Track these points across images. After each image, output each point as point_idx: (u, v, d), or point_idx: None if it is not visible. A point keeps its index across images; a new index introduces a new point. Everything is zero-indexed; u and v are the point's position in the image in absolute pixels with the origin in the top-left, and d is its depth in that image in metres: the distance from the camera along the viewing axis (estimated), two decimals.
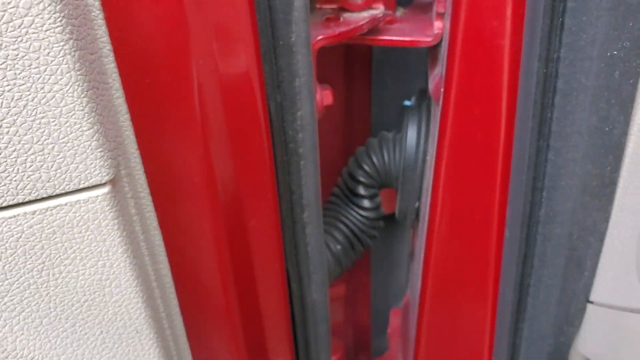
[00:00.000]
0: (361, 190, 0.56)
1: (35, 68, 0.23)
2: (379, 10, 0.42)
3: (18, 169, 0.23)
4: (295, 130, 0.34)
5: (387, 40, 0.43)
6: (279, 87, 0.33)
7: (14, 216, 0.24)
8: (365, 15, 0.41)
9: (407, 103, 0.55)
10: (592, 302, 0.41)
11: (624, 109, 0.32)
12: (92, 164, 0.24)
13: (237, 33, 0.30)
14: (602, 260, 0.38)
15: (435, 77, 0.46)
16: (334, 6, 0.41)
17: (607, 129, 0.33)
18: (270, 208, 0.35)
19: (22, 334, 0.26)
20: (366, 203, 0.56)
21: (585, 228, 0.37)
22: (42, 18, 0.23)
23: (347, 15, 0.41)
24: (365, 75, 0.58)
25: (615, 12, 0.30)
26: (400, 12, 0.47)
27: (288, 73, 0.32)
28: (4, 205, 0.23)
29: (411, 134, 0.52)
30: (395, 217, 0.59)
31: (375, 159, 0.55)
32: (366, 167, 0.55)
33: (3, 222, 0.24)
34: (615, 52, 0.31)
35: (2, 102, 0.23)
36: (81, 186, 0.25)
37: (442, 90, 0.43)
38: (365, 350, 0.83)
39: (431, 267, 0.51)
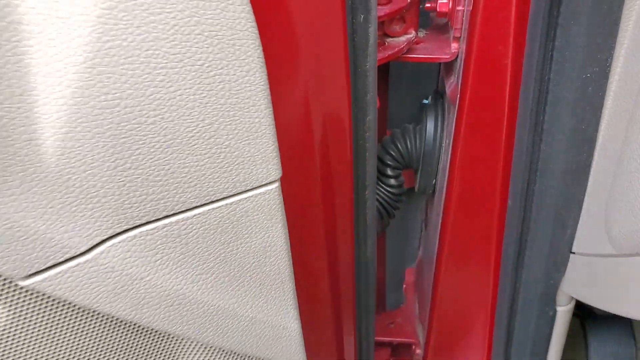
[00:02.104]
0: (388, 172, 0.69)
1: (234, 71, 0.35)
2: (412, 35, 0.55)
3: (231, 170, 0.36)
4: (364, 131, 0.47)
5: (417, 57, 0.56)
6: (356, 101, 0.46)
7: (219, 207, 0.36)
8: (403, 39, 0.54)
9: (425, 101, 0.69)
10: (573, 253, 0.55)
11: (595, 113, 0.46)
12: (272, 162, 0.37)
13: (334, 63, 0.42)
14: (580, 221, 0.52)
15: (452, 84, 0.59)
16: (380, 33, 0.54)
17: (582, 127, 0.47)
18: (348, 189, 0.49)
19: (215, 288, 0.39)
20: (392, 182, 0.70)
21: (568, 198, 0.51)
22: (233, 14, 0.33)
23: (389, 40, 0.54)
24: (385, 81, 0.71)
25: (589, 49, 0.43)
26: (422, 33, 0.59)
27: (362, 90, 0.45)
28: (219, 198, 0.36)
29: (430, 125, 0.65)
30: (415, 191, 0.72)
31: (399, 146, 0.68)
32: (392, 152, 0.68)
33: (215, 210, 0.37)
34: (588, 75, 0.44)
35: (211, 112, 0.34)
36: (264, 182, 0.37)
37: (458, 95, 0.56)
38: (382, 305, 0.96)
39: (448, 231, 0.65)
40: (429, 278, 0.76)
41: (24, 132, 0.30)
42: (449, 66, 0.60)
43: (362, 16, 0.44)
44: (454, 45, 0.56)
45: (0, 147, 0.29)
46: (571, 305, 0.64)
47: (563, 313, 0.63)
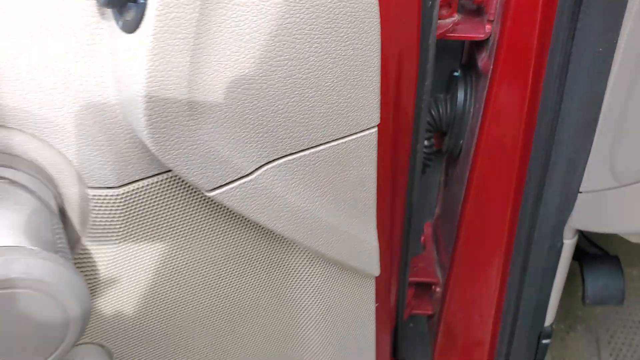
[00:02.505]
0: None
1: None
2: (455, 17, 0.69)
3: (349, 116, 0.49)
4: (422, 93, 0.61)
5: (458, 36, 0.70)
6: (421, 69, 0.60)
7: (338, 144, 0.49)
8: (449, 21, 0.67)
9: (455, 74, 0.82)
10: (581, 192, 0.70)
11: (604, 79, 0.61)
12: (376, 110, 0.50)
13: (410, 38, 0.56)
14: (588, 165, 0.66)
15: (484, 58, 0.73)
16: None
17: (593, 90, 0.61)
18: (409, 139, 0.63)
19: (326, 207, 0.52)
20: (426, 143, 0.84)
21: (579, 147, 0.66)
22: None
23: (439, 22, 0.67)
24: None
25: (601, 29, 0.58)
26: (460, 16, 0.73)
27: (424, 60, 0.59)
28: (339, 137, 0.49)
29: (460, 94, 0.79)
30: (438, 154, 0.87)
31: (432, 112, 0.82)
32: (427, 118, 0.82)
33: (335, 147, 0.49)
34: (600, 49, 0.59)
35: (341, 72, 0.47)
36: (369, 126, 0.50)
37: (490, 67, 0.70)
38: None
39: (474, 183, 0.79)
40: (451, 227, 0.91)
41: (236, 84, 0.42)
42: (481, 44, 0.74)
43: (430, 2, 0.58)
44: (488, 27, 0.70)
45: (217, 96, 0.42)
46: (575, 239, 0.79)
47: (568, 246, 0.78)
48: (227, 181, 0.47)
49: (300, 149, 0.50)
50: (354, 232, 0.58)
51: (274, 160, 0.49)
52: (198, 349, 0.61)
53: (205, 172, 0.45)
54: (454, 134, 0.82)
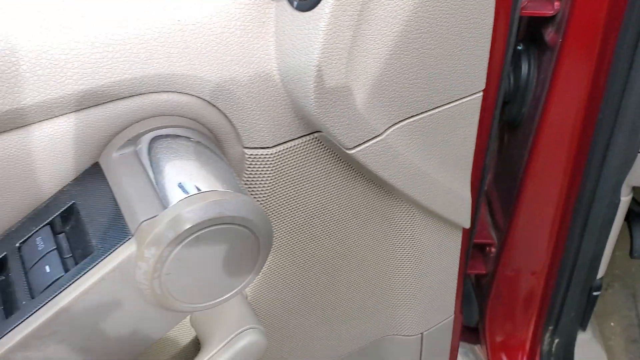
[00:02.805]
0: None
1: None
2: None
3: (464, 82, 0.56)
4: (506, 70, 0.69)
5: (530, 12, 0.77)
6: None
7: (452, 106, 0.57)
8: None
9: (519, 47, 0.90)
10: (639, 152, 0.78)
11: None
12: (483, 75, 0.57)
13: (505, 13, 0.63)
14: None
15: (550, 33, 0.80)
16: None
17: None
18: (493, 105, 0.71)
19: (433, 163, 0.60)
20: None
21: (636, 128, 0.74)
22: None
23: None
24: None
25: None
26: None
27: (511, 33, 0.67)
28: (454, 99, 0.57)
29: (524, 65, 0.87)
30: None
31: None
32: None
33: (450, 109, 0.57)
34: None
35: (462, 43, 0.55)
36: (478, 90, 0.58)
37: (559, 41, 0.77)
38: None
39: (539, 146, 0.87)
40: (508, 191, 0.98)
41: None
42: (547, 19, 0.81)
43: None
44: (557, 4, 0.77)
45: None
46: (630, 197, 0.87)
47: (624, 202, 0.86)
48: (364, 140, 0.55)
49: (421, 112, 0.57)
50: (454, 187, 0.66)
51: (399, 121, 0.56)
52: (316, 292, 0.69)
53: (349, 132, 0.53)
54: (516, 104, 0.89)
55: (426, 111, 0.58)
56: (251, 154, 0.55)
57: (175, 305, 0.46)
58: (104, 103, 0.47)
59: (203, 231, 0.43)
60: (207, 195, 0.43)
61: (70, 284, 0.43)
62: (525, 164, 0.91)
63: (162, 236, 0.42)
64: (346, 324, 0.77)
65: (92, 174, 0.49)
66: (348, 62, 0.49)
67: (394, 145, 0.57)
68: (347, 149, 0.54)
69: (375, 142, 0.55)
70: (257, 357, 0.60)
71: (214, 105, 0.51)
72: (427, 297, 0.79)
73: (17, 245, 0.47)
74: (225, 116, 0.52)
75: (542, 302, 1.09)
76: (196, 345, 0.64)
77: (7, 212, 0.48)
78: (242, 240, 0.45)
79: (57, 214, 0.47)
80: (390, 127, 0.56)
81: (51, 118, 0.46)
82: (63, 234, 0.47)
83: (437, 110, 0.58)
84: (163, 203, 0.43)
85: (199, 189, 0.44)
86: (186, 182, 0.45)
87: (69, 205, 0.48)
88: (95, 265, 0.43)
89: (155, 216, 0.43)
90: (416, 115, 0.57)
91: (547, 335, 1.09)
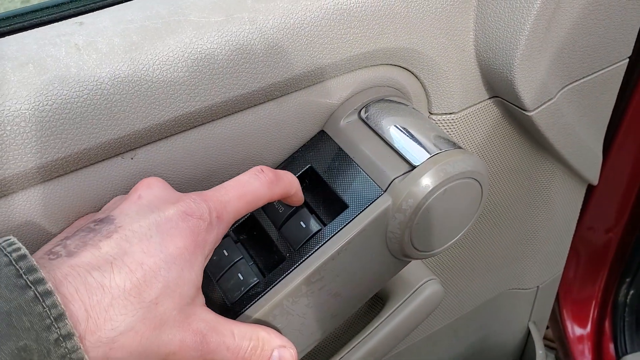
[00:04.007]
0: None
1: None
2: None
3: (617, 46, 0.62)
4: None
5: None
6: None
7: (606, 71, 0.63)
8: None
9: None
10: None
11: None
12: (632, 42, 0.63)
13: None
14: None
15: None
16: None
17: None
18: None
19: (589, 124, 0.67)
20: None
21: None
22: None
23: None
24: None
25: None
26: None
27: None
28: (607, 65, 0.62)
29: None
30: None
31: None
32: None
33: (605, 74, 0.63)
34: None
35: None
36: (625, 57, 0.64)
37: None
38: None
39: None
40: None
41: None
42: None
43: None
44: None
45: None
46: None
47: None
48: (542, 102, 0.60)
49: (582, 76, 0.63)
50: (592, 146, 0.73)
51: (567, 85, 0.62)
52: (466, 246, 0.76)
53: (533, 96, 0.59)
54: None
55: (586, 76, 0.64)
56: (437, 119, 0.60)
57: (413, 253, 0.51)
58: (336, 76, 0.52)
59: (449, 185, 0.49)
60: (450, 154, 0.49)
61: (334, 235, 0.48)
62: (616, 128, 0.97)
63: (419, 190, 0.47)
64: (477, 278, 0.83)
65: (322, 140, 0.54)
66: (546, 32, 0.55)
67: (561, 107, 0.63)
68: (527, 111, 0.60)
69: (549, 105, 0.61)
70: (437, 304, 0.66)
71: (415, 75, 0.57)
72: (548, 251, 0.86)
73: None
74: (422, 85, 0.58)
75: (616, 257, 1.17)
76: (374, 301, 0.70)
77: None
78: (471, 190, 0.51)
79: (296, 175, 0.53)
80: (560, 90, 0.62)
81: (297, 90, 0.51)
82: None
83: (594, 75, 0.64)
84: (410, 162, 0.49)
85: (440, 149, 0.49)
86: (425, 141, 0.50)
87: (306, 167, 0.53)
88: (354, 218, 0.48)
89: (406, 172, 0.48)
90: (579, 79, 0.63)
91: (624, 287, 1.17)
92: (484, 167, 0.51)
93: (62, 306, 0.32)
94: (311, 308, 0.49)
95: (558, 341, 1.32)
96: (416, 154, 0.49)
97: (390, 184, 0.49)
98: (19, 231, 0.43)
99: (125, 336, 0.34)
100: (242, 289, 0.48)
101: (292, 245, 0.50)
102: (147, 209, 0.39)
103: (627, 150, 0.99)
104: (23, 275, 0.32)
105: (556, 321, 1.30)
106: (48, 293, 0.32)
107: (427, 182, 0.47)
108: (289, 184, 0.47)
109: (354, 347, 0.64)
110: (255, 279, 0.49)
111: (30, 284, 0.32)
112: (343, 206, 0.50)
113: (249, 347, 0.42)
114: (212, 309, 0.42)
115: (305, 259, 0.48)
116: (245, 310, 0.47)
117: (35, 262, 0.33)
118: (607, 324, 1.23)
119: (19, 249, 0.34)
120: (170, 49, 0.44)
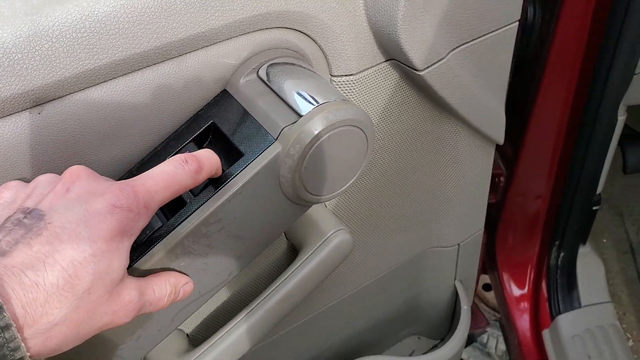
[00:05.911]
0: None
1: None
2: None
3: (505, 9, 0.68)
4: None
5: None
6: None
7: (497, 33, 0.68)
8: None
9: None
10: (635, 74, 0.92)
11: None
12: (519, 6, 0.69)
13: None
14: None
15: None
16: None
17: None
18: None
19: (481, 87, 0.72)
20: None
21: (634, 50, 0.88)
22: None
23: None
24: None
25: None
26: None
27: None
28: (497, 27, 0.68)
29: (530, 9, 0.99)
30: None
31: None
32: None
33: (496, 36, 0.68)
34: None
35: None
36: (514, 20, 0.70)
37: None
38: None
39: (546, 79, 1.00)
40: (517, 123, 1.11)
41: None
42: None
43: None
44: None
45: None
46: (625, 117, 1.01)
47: (621, 122, 1.00)
48: (432, 63, 0.66)
49: (473, 38, 0.69)
50: (493, 106, 0.79)
51: (457, 46, 0.68)
52: (376, 203, 0.81)
53: (421, 56, 0.64)
54: (523, 42, 1.02)
55: (477, 37, 0.69)
56: (338, 81, 0.66)
57: (307, 196, 0.57)
58: (233, 37, 0.57)
59: (333, 131, 0.54)
60: (334, 104, 0.54)
61: (230, 181, 0.53)
62: (534, 97, 1.04)
63: (304, 135, 0.53)
64: (396, 236, 0.89)
65: (224, 98, 0.59)
66: None
67: (453, 67, 0.69)
68: (418, 70, 0.66)
69: (440, 65, 0.67)
70: (348, 253, 0.71)
71: (312, 38, 0.62)
72: (464, 210, 0.92)
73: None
74: (320, 47, 0.63)
75: (547, 221, 1.23)
76: (291, 253, 0.75)
77: (156, 132, 0.57)
78: (356, 139, 0.56)
79: (199, 131, 0.57)
80: (450, 51, 0.68)
81: (194, 50, 0.56)
82: (207, 146, 0.57)
83: (485, 36, 0.70)
84: (297, 112, 0.54)
85: (326, 100, 0.54)
86: (313, 94, 0.55)
87: (209, 123, 0.58)
88: (248, 165, 0.54)
89: (294, 122, 0.53)
90: (470, 41, 0.69)
91: (554, 250, 1.24)
92: (367, 118, 0.56)
93: (0, 301, 0.34)
94: (213, 248, 0.54)
95: (499, 306, 1.38)
96: (304, 105, 0.54)
97: (280, 132, 0.54)
98: None
99: (60, 326, 0.37)
100: (147, 232, 0.53)
101: (192, 192, 0.55)
102: (75, 202, 0.41)
103: (547, 118, 1.05)
104: None
105: (497, 287, 1.37)
106: None
107: (311, 128, 0.53)
108: (210, 169, 0.51)
109: (268, 294, 0.69)
110: (160, 223, 0.53)
111: None
112: (240, 155, 0.55)
113: (166, 295, 0.49)
114: None
115: (204, 203, 0.53)
116: (149, 250, 0.52)
117: None
118: (543, 286, 1.30)
119: None
120: (69, 12, 0.48)
